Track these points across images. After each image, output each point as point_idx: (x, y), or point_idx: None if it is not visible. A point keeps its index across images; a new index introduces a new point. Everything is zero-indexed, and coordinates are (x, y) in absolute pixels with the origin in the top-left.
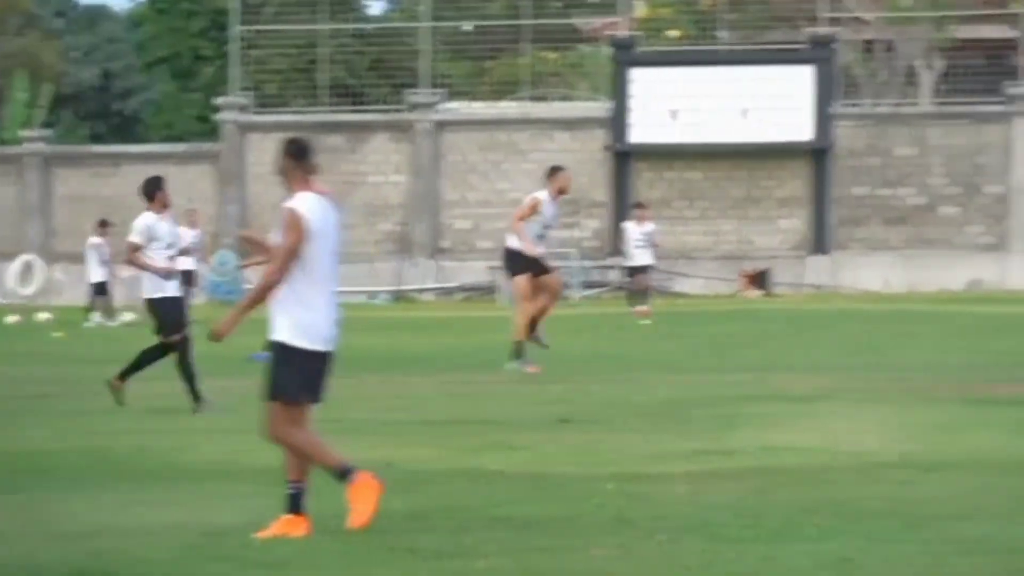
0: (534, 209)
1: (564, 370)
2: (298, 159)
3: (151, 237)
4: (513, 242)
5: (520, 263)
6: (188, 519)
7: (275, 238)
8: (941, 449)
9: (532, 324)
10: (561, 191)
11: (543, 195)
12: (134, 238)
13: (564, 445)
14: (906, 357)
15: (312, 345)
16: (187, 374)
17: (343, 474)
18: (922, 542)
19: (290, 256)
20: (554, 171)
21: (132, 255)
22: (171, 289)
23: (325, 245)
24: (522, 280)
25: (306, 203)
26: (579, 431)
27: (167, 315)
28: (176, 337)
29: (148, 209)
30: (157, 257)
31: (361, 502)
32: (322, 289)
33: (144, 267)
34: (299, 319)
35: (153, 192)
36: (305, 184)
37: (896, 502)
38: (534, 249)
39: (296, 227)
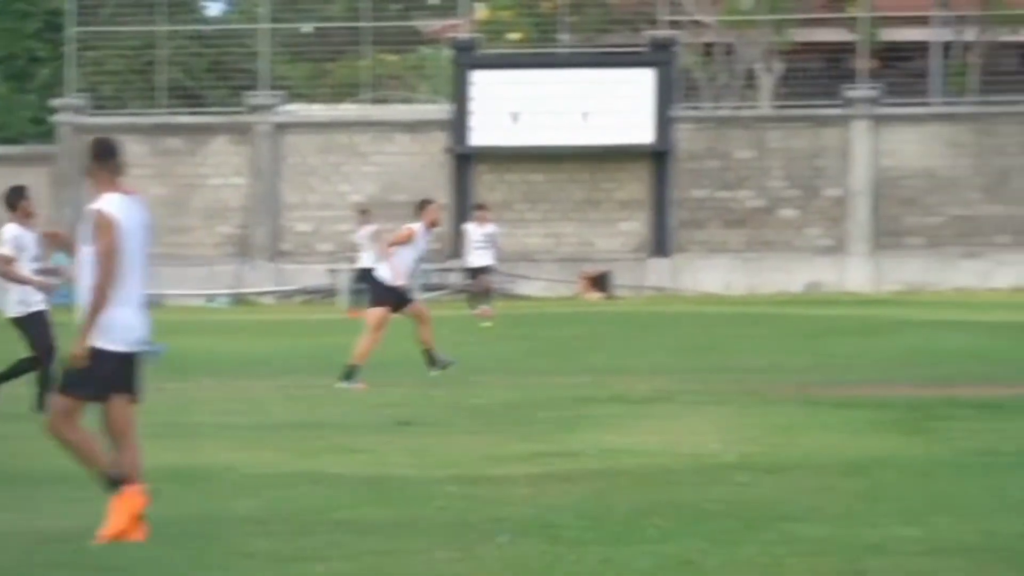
0: (409, 238)
1: (403, 373)
2: (104, 160)
3: (19, 248)
4: (382, 271)
5: (382, 294)
6: (24, 526)
7: (81, 238)
8: (780, 450)
9: (427, 355)
10: (433, 223)
11: (418, 226)
12: (3, 250)
13: (404, 448)
14: (745, 359)
15: (114, 346)
16: (43, 381)
17: (113, 482)
18: (762, 543)
19: (110, 257)
20: (424, 204)
21: (5, 268)
22: (37, 304)
23: (132, 246)
24: (379, 312)
25: (113, 204)
26: (419, 434)
27: (38, 331)
28: (47, 350)
29: (11, 220)
30: (25, 269)
31: (118, 515)
32: (129, 290)
33: (23, 281)
34: (103, 319)
35: (16, 201)
36: (111, 185)
37: (736, 503)
38: (398, 278)
39: (107, 228)
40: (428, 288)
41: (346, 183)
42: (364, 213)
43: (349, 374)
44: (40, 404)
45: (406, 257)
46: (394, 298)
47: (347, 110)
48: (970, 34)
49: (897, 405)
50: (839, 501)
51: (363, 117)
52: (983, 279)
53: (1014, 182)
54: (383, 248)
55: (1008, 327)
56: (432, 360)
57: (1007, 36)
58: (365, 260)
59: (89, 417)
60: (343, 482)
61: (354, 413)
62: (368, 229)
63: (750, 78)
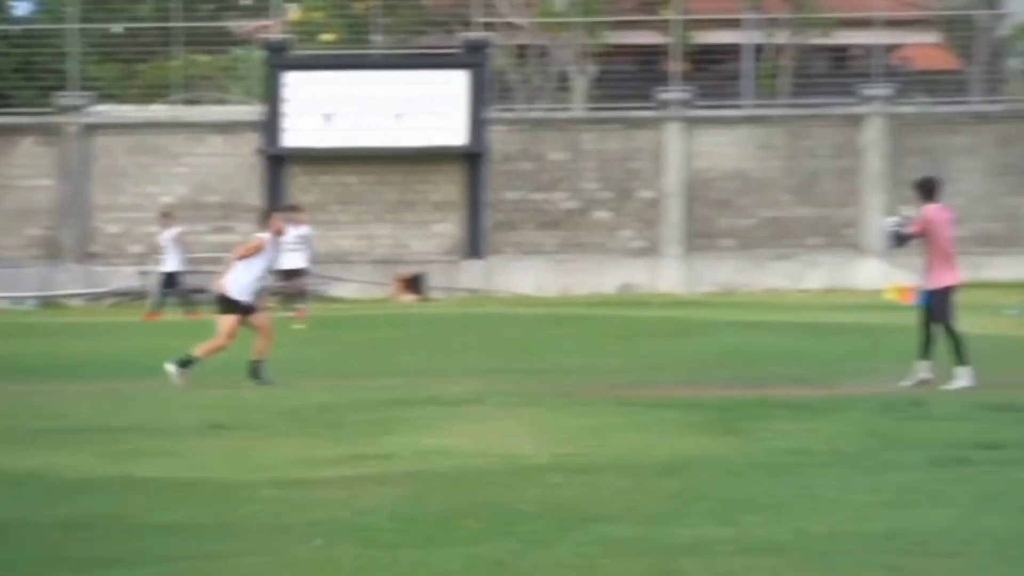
0: (258, 248)
1: (216, 375)
2: None
3: None
4: (229, 284)
5: (230, 305)
6: None
7: None
8: (593, 451)
9: (255, 365)
10: (278, 232)
11: (266, 236)
12: None
13: (218, 451)
14: (559, 360)
15: None
16: None
17: None
18: (575, 544)
19: None
20: (269, 213)
21: None
22: None
23: None
24: (230, 320)
25: None
26: (233, 437)
27: None
28: None
29: None
30: None
31: None
32: None
33: None
34: None
35: None
36: None
37: (549, 504)
38: (242, 293)
39: None
40: None
41: (157, 184)
42: (167, 216)
43: (185, 362)
44: None
45: (256, 267)
46: (241, 309)
47: (158, 111)
48: (781, 37)
49: (710, 406)
50: (652, 501)
51: (174, 118)
52: (795, 280)
53: (825, 184)
54: (231, 260)
55: (819, 328)
56: (257, 373)
57: (818, 39)
58: (169, 263)
59: None
60: (157, 486)
61: (167, 416)
62: (171, 232)
63: (564, 80)
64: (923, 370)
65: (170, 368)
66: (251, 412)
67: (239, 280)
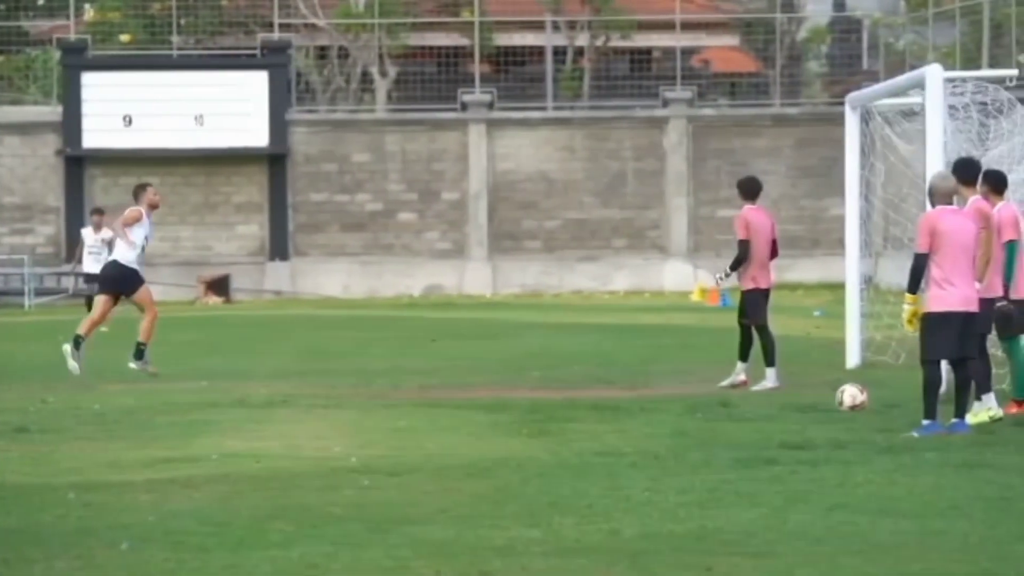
0: (137, 219)
1: (17, 378)
2: None
3: None
4: (123, 255)
5: (112, 279)
6: None
7: None
8: (403, 453)
9: (139, 351)
10: (152, 206)
11: (143, 208)
12: None
13: (22, 455)
14: (367, 362)
15: None
16: None
17: None
18: (387, 546)
19: None
20: (142, 187)
21: None
22: None
23: None
24: (104, 298)
25: None
26: (37, 441)
27: None
28: None
29: None
30: None
31: None
32: None
33: None
34: None
35: None
36: None
37: (360, 507)
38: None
39: None
40: (41, 292)
41: None
42: None
43: (139, 353)
44: None
45: (138, 238)
46: (123, 284)
47: None
48: (582, 40)
49: (518, 407)
50: (463, 503)
51: None
52: (600, 282)
53: (628, 186)
54: (119, 229)
55: (625, 329)
56: (140, 354)
57: (618, 42)
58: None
59: None
60: None
61: None
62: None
63: (365, 81)
64: (740, 372)
65: (66, 348)
66: (55, 415)
67: (123, 255)
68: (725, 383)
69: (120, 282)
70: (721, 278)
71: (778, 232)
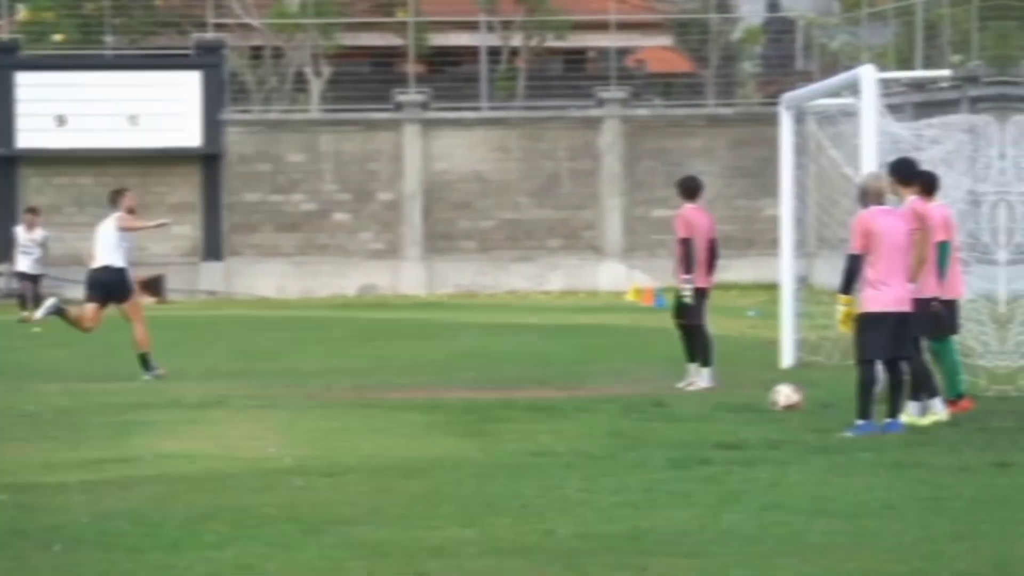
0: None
1: None
2: None
3: None
4: (116, 260)
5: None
6: None
7: None
8: (337, 454)
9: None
10: (130, 210)
11: (120, 214)
12: None
13: None
14: (301, 363)
15: None
16: None
17: None
18: (321, 547)
19: None
20: (118, 193)
21: None
22: None
23: None
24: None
25: None
26: None
27: None
28: None
29: None
30: None
31: None
32: None
33: None
34: None
35: None
36: None
37: (294, 507)
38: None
39: None
40: None
41: None
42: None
43: (145, 364)
44: None
45: (126, 244)
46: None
47: None
48: (517, 40)
49: (453, 408)
50: (398, 503)
51: None
52: (535, 282)
53: (562, 187)
54: (125, 226)
55: (560, 330)
56: (147, 364)
57: (553, 42)
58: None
59: None
60: None
61: None
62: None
63: (300, 81)
64: (693, 373)
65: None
66: None
67: (116, 260)
68: (682, 384)
69: (112, 288)
70: (687, 282)
71: (717, 232)
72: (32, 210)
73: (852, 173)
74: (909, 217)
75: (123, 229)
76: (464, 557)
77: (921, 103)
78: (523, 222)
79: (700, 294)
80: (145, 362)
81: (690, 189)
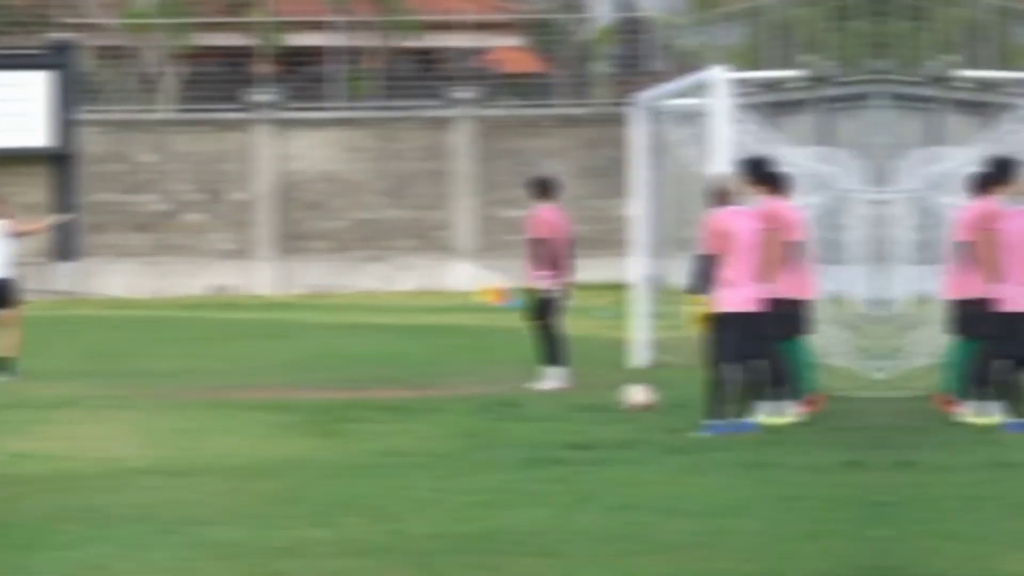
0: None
1: None
2: None
3: None
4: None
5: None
6: None
7: None
8: (189, 454)
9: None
10: (9, 215)
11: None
12: None
13: None
14: (153, 363)
15: None
16: None
17: None
18: (173, 547)
19: None
20: (3, 199)
21: None
22: None
23: None
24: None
25: None
26: None
27: None
28: None
29: None
30: None
31: None
32: None
33: None
34: None
35: None
36: None
37: (146, 507)
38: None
39: None
40: None
41: None
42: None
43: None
44: None
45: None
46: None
47: None
48: (368, 40)
49: (306, 408)
50: (250, 504)
51: None
52: (387, 282)
53: (414, 187)
54: (20, 230)
55: (411, 330)
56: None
57: (407, 42)
58: None
59: None
60: None
61: None
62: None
63: (151, 81)
64: (544, 373)
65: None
66: None
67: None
68: (534, 384)
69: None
70: (554, 281)
71: (571, 232)
72: None
73: (705, 173)
74: (759, 217)
75: (17, 234)
76: (318, 557)
77: (774, 103)
78: (375, 222)
79: (556, 294)
80: (7, 367)
81: (545, 189)
